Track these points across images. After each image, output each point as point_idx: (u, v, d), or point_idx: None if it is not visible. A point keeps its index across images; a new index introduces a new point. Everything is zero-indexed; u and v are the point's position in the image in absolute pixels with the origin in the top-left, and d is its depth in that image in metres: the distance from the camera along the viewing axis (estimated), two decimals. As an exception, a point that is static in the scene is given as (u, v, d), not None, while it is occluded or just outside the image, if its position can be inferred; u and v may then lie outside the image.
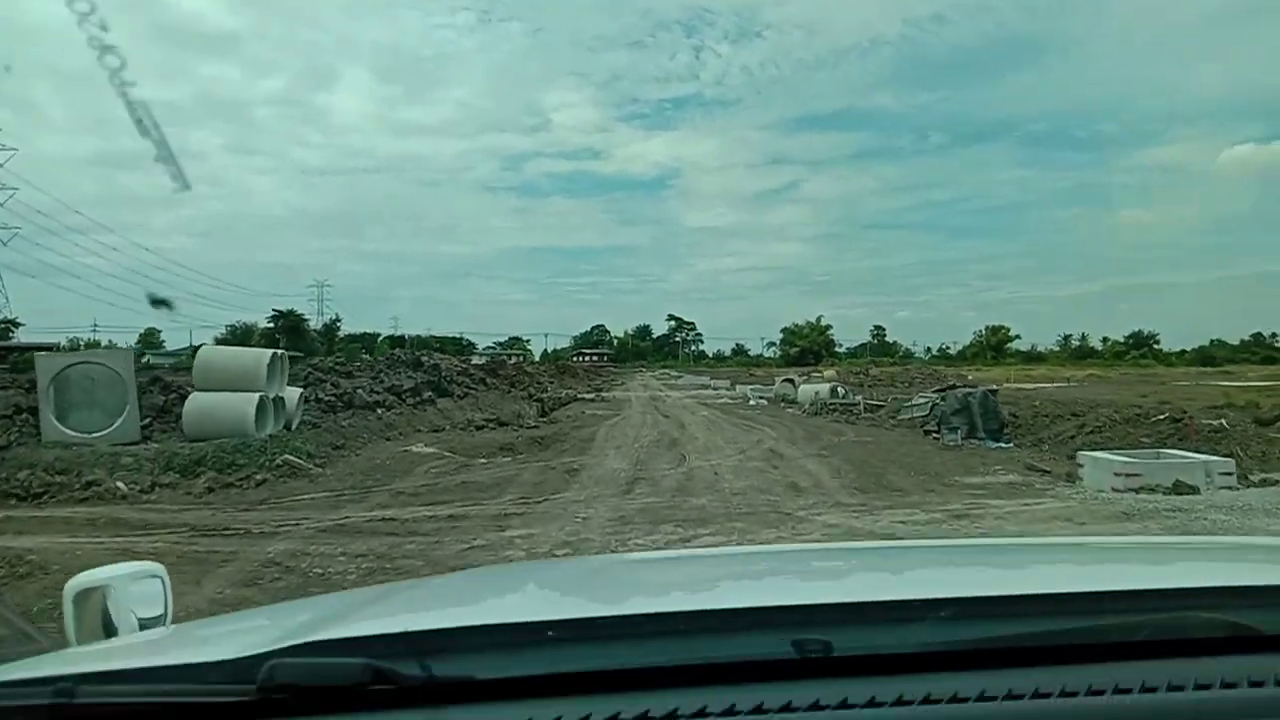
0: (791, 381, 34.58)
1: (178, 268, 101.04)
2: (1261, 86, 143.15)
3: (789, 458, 14.20)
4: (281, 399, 15.45)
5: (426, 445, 15.21)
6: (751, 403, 32.16)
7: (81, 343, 74.97)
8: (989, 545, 2.91)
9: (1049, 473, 12.29)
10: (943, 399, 17.25)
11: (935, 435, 17.16)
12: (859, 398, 25.88)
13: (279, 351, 16.44)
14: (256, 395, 14.31)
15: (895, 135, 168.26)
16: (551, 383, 54.00)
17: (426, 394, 23.88)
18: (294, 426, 15.72)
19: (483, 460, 14.13)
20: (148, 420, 14.63)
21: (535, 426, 20.50)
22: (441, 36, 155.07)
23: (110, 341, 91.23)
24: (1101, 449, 12.65)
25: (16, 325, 69.09)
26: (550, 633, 1.03)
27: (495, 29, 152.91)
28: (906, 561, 1.81)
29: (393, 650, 0.96)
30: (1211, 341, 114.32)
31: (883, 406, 25.79)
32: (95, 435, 13.40)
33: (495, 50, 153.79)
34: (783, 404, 31.59)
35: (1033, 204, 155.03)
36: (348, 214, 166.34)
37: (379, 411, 20.29)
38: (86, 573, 1.33)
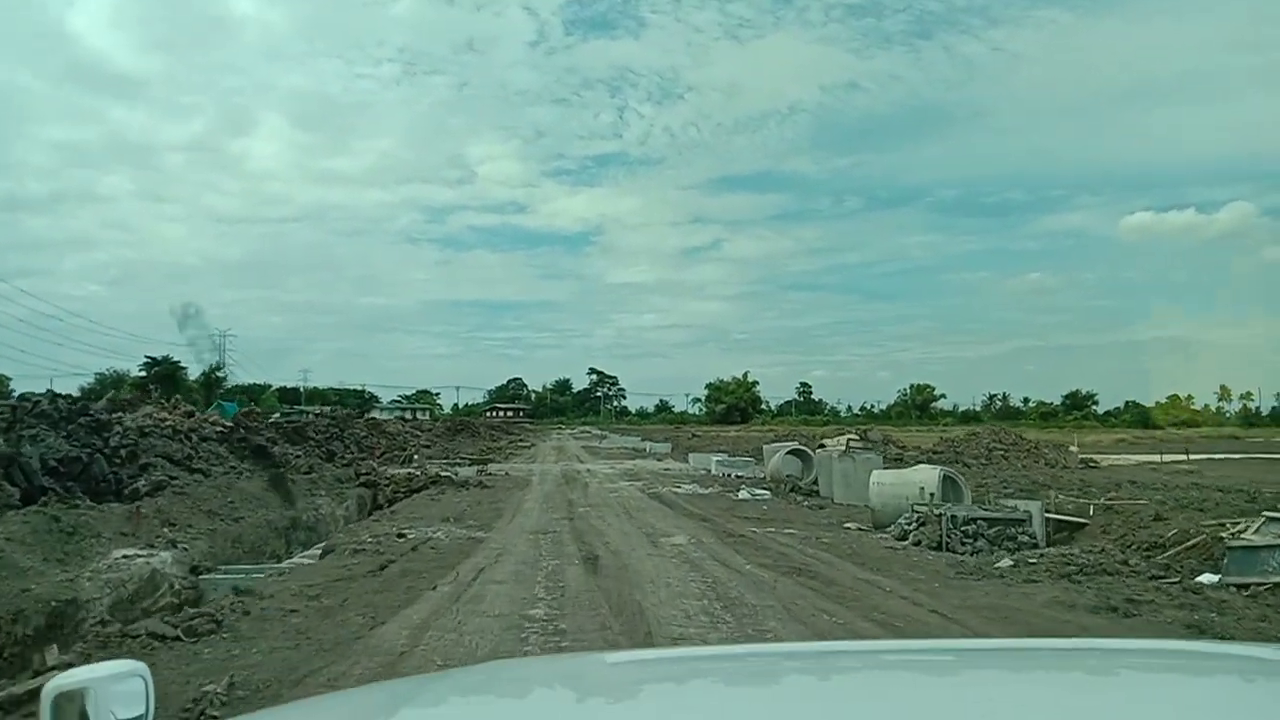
0: (799, 455, 19.18)
1: (67, 314, 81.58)
2: (1158, 158, 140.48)
3: None
4: None
5: None
6: (743, 495, 16.59)
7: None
8: (1018, 649, 1.94)
9: None
10: None
11: None
12: (1029, 508, 10.59)
13: None
14: None
15: (813, 198, 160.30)
16: (428, 446, 37.31)
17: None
18: None
19: None
20: None
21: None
22: (364, 86, 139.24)
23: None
24: None
25: None
26: None
27: (420, 81, 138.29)
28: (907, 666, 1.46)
29: None
30: (1126, 403, 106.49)
31: (1085, 525, 10.60)
32: None
33: (419, 102, 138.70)
34: (799, 498, 16.24)
35: (943, 267, 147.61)
36: (263, 263, 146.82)
37: None
38: (65, 674, 1.16)
